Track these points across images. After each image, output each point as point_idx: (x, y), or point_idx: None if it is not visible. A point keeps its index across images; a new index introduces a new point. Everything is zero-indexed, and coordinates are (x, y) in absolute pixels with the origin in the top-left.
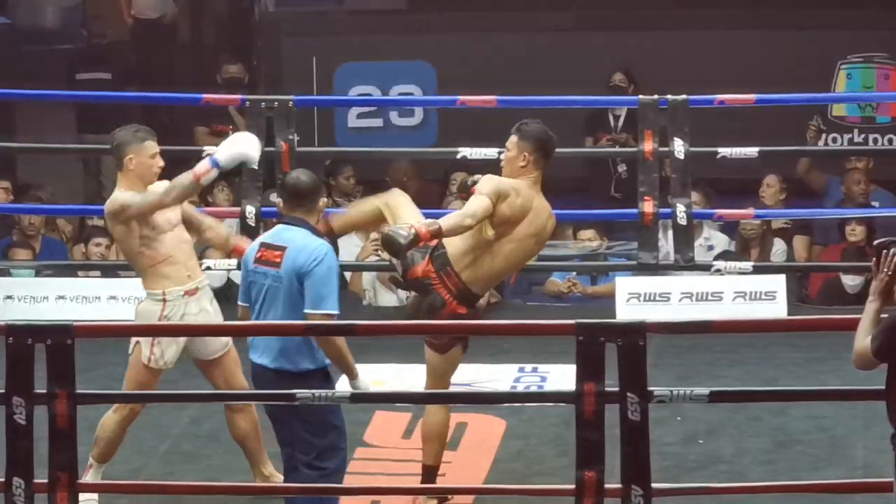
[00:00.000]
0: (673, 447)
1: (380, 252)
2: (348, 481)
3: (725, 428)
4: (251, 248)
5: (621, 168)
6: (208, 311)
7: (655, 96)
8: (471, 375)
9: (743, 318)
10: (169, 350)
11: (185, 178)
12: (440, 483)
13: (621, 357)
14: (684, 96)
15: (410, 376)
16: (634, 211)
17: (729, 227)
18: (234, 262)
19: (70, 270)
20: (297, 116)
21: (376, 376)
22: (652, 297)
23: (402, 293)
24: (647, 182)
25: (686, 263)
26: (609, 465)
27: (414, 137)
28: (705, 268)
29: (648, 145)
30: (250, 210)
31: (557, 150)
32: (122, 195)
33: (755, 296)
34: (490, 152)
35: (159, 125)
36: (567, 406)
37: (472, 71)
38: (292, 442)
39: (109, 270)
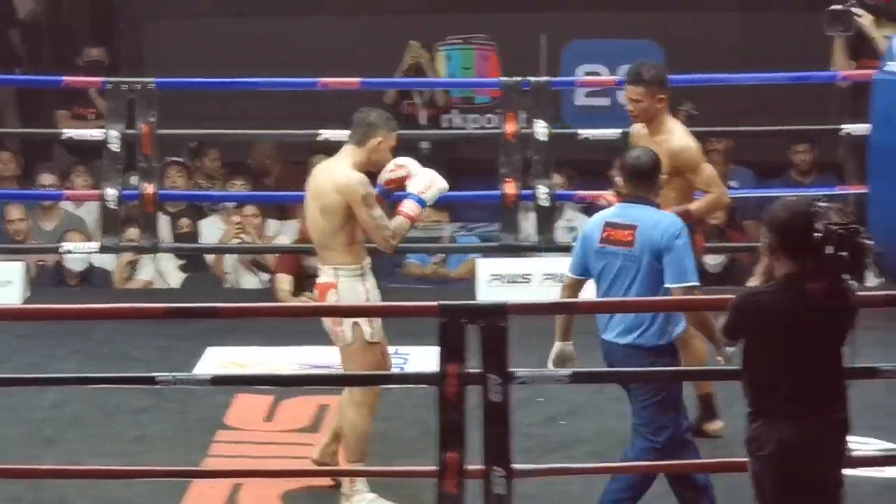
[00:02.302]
0: (535, 428)
1: (242, 235)
2: (210, 465)
3: (587, 408)
4: (594, 226)
5: (424, 145)
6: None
7: (518, 78)
8: (332, 358)
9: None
10: (377, 322)
11: (407, 226)
12: (304, 466)
13: (483, 338)
14: (547, 78)
15: (272, 359)
16: (497, 193)
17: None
18: (94, 245)
19: None
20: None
21: (238, 358)
22: (514, 279)
23: (264, 276)
24: (509, 164)
25: (548, 245)
26: (471, 446)
27: None
28: (567, 249)
29: (510, 127)
30: (111, 193)
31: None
32: (364, 182)
33: None
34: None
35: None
36: (429, 387)
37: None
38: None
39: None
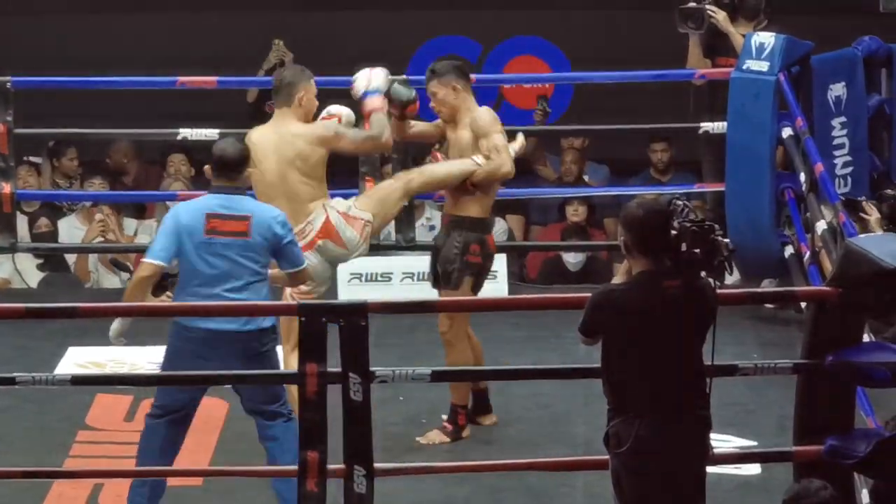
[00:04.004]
0: (396, 427)
1: (105, 234)
2: (70, 465)
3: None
4: (191, 216)
5: None
6: None
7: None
8: None
9: (465, 297)
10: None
11: (382, 117)
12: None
13: (343, 337)
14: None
15: (132, 358)
16: (356, 192)
17: None
18: None
19: None
20: None
21: (97, 358)
22: (373, 278)
23: (125, 275)
24: (368, 162)
25: (407, 244)
26: (333, 446)
27: None
28: (427, 248)
29: None
30: None
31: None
32: (323, 124)
33: None
34: (211, 133)
35: None
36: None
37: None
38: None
39: None
